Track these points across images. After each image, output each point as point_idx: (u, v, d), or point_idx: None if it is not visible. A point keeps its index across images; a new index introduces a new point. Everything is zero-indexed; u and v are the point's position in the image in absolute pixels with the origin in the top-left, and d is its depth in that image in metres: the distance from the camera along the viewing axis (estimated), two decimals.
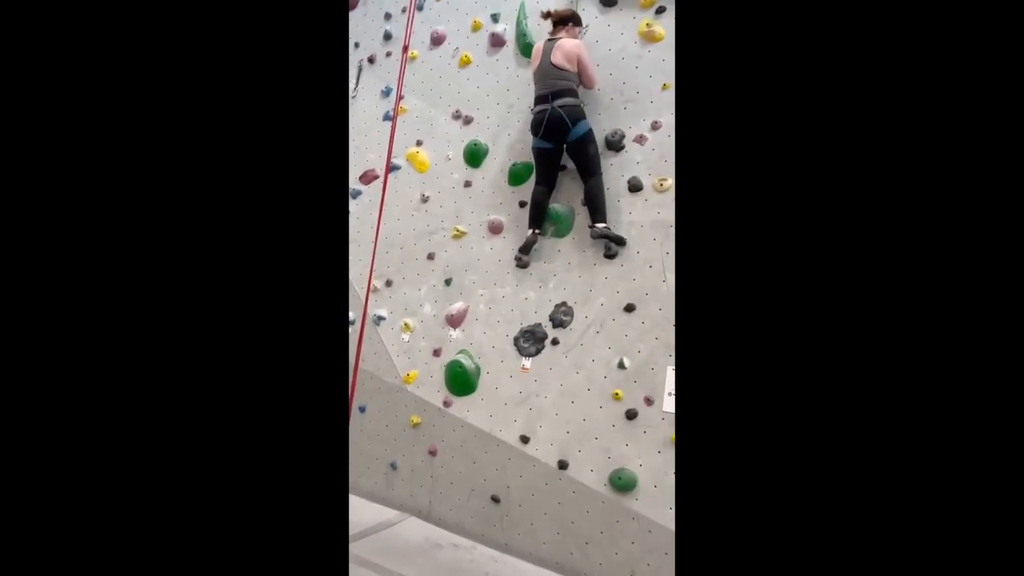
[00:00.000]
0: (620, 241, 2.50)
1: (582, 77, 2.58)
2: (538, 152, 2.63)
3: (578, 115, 2.48)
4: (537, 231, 2.68)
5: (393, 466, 2.99)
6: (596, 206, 2.50)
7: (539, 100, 2.57)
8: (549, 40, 2.59)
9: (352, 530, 2.55)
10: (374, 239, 2.49)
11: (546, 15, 2.66)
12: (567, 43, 2.53)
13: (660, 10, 2.58)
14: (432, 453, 2.86)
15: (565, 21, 2.61)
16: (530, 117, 2.64)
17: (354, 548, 2.45)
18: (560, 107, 2.48)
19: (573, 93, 2.52)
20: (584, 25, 2.68)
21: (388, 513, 2.90)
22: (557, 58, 2.52)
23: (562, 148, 2.60)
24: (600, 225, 2.50)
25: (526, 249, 2.70)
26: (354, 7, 3.65)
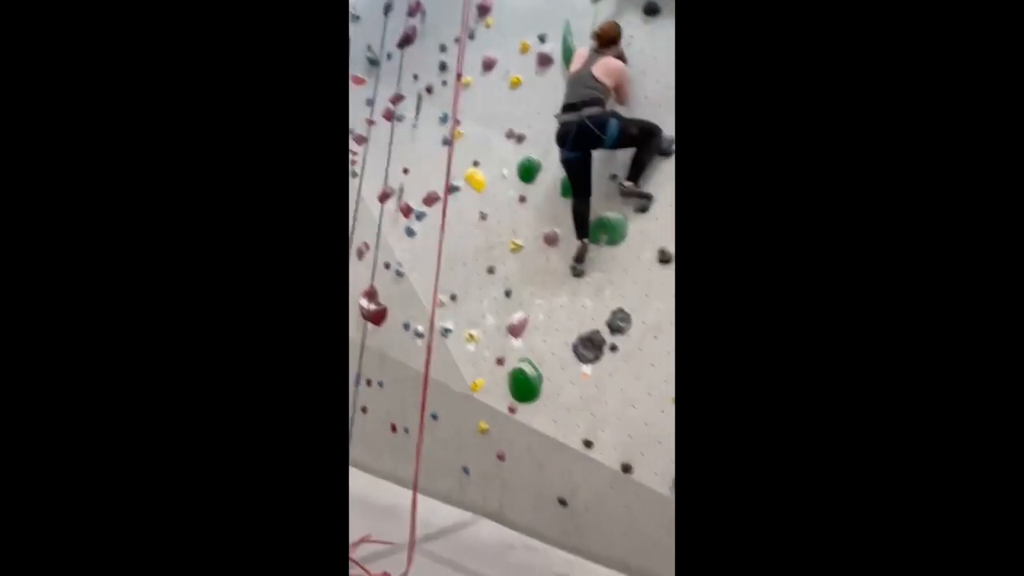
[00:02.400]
0: (647, 196, 2.59)
1: (619, 93, 2.68)
2: (567, 164, 2.71)
3: (604, 119, 2.53)
4: (586, 240, 2.75)
5: (465, 470, 3.15)
6: (636, 164, 2.57)
7: (567, 108, 2.64)
8: (595, 51, 2.68)
9: (428, 530, 2.73)
10: (437, 256, 2.68)
11: (595, 36, 2.75)
12: (613, 62, 2.61)
13: None
14: (500, 458, 2.99)
15: (613, 41, 2.69)
16: None
17: (430, 546, 2.62)
18: (588, 118, 2.54)
19: (601, 103, 2.59)
20: (629, 35, 2.75)
21: (463, 515, 3.06)
22: (599, 71, 2.60)
23: (590, 157, 2.67)
24: (628, 183, 2.57)
25: (580, 258, 2.78)
26: (411, 42, 3.93)
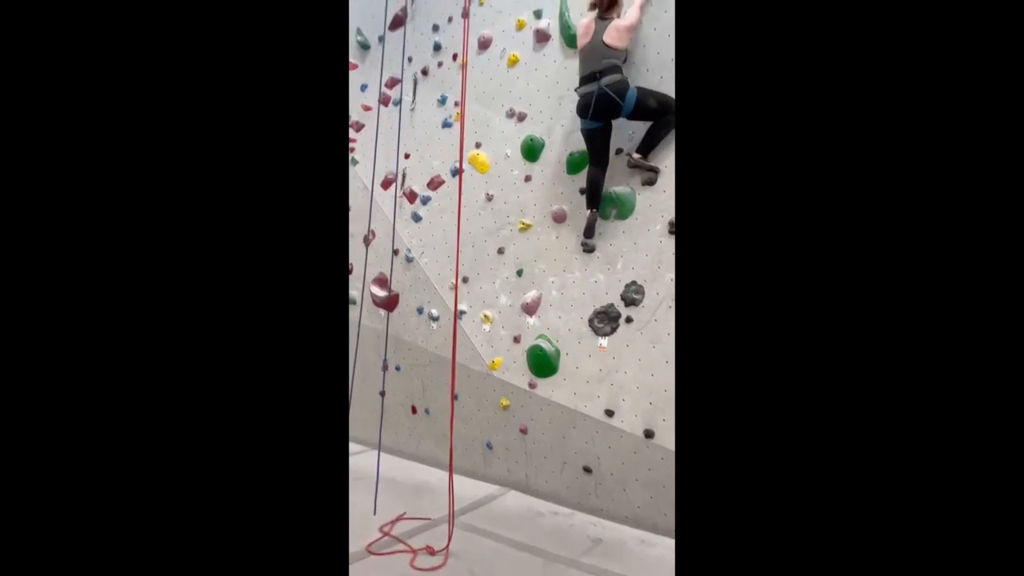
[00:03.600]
0: (655, 169, 2.66)
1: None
2: (588, 133, 2.74)
3: (623, 87, 2.57)
4: (595, 210, 2.80)
5: (489, 446, 3.26)
6: (648, 137, 2.64)
7: (585, 80, 2.67)
8: (601, 19, 2.67)
9: (459, 504, 2.84)
10: (456, 239, 2.72)
11: (593, 5, 2.73)
12: (621, 23, 2.62)
13: None
14: (523, 431, 3.10)
15: (614, 4, 2.68)
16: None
17: (464, 519, 2.74)
18: (607, 86, 2.57)
19: (619, 70, 2.62)
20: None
21: (489, 488, 3.18)
22: (610, 37, 2.60)
23: (610, 126, 2.70)
24: (636, 155, 2.65)
25: (589, 232, 2.83)
26: (402, 23, 3.87)
